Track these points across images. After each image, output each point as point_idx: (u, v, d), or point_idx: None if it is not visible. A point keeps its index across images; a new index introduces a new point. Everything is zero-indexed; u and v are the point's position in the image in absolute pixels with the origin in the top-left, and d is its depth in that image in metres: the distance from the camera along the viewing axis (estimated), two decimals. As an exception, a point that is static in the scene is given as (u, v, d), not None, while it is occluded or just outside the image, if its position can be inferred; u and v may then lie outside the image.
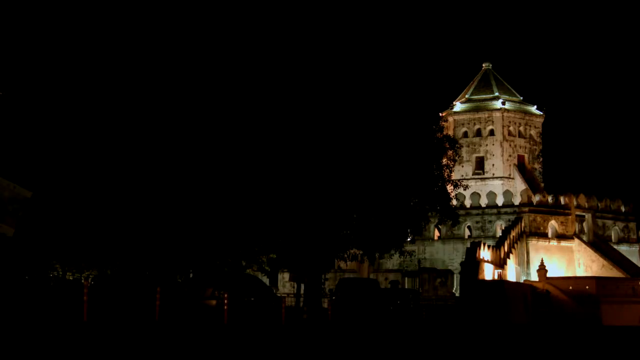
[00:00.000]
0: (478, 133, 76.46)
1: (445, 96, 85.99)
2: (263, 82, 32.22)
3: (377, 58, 36.48)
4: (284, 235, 33.44)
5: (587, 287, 52.00)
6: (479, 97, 79.09)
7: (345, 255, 37.19)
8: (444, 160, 38.46)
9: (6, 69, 25.92)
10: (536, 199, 65.56)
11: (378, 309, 33.94)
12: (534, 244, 63.55)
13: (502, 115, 76.00)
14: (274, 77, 32.57)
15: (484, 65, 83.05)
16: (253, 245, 33.65)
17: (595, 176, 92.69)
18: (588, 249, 64.63)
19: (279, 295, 46.75)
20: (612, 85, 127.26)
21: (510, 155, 75.79)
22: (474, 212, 64.89)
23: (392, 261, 56.71)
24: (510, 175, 75.29)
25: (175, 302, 26.64)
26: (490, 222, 64.57)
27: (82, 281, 31.90)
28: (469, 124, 76.86)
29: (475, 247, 52.39)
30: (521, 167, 75.91)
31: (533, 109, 79.34)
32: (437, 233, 65.08)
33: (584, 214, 67.41)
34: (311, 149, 32.34)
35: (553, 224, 65.56)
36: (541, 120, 78.84)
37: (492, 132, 76.10)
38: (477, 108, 77.25)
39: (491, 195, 65.83)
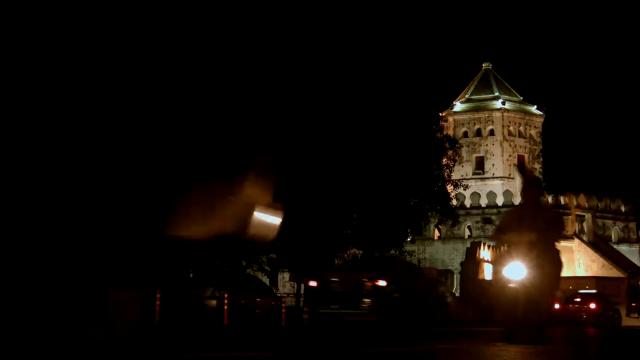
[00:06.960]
0: (478, 133, 76.49)
1: (445, 96, 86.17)
2: (262, 82, 32.22)
3: (377, 58, 36.49)
4: (283, 235, 33.44)
5: (587, 286, 51.98)
6: (479, 97, 79.12)
7: (345, 255, 37.21)
8: (444, 160, 38.46)
9: (6, 69, 25.97)
10: (536, 198, 65.56)
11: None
12: (534, 243, 63.53)
13: (502, 115, 76.02)
14: (273, 77, 32.56)
15: (484, 65, 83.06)
16: (253, 245, 33.63)
17: (595, 176, 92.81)
18: (588, 248, 64.67)
19: (278, 295, 46.73)
20: (612, 85, 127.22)
21: (510, 155, 75.81)
22: (474, 212, 64.92)
23: (392, 261, 56.68)
24: (510, 175, 75.31)
25: (174, 302, 26.65)
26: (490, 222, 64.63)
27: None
28: (469, 123, 76.88)
29: (475, 247, 52.40)
30: (521, 167, 75.94)
31: (533, 109, 79.36)
32: (437, 233, 65.11)
33: (584, 213, 67.43)
34: (311, 148, 32.35)
35: (553, 224, 65.58)
36: (541, 120, 78.85)
37: (492, 132, 76.11)
38: (477, 108, 77.28)
39: (491, 195, 65.86)
